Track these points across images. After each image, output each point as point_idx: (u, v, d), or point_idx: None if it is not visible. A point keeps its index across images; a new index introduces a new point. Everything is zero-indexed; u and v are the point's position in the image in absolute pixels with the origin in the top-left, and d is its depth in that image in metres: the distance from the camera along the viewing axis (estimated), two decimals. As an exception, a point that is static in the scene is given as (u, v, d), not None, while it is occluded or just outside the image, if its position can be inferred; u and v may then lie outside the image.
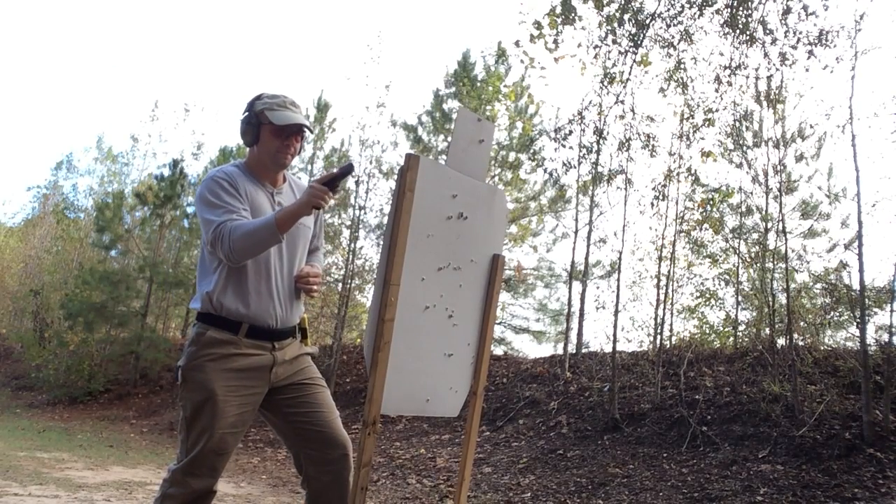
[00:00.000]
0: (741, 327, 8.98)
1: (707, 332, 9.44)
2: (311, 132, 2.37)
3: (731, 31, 5.55)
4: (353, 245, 12.99)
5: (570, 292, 10.76)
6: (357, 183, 13.18)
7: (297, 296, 2.34)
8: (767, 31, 5.39)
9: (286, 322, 2.28)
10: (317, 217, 2.46)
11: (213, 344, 2.17)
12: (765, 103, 7.70)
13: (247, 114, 2.29)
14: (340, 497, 2.23)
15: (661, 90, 6.14)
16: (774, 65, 5.52)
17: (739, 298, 9.01)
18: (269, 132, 2.25)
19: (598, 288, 12.18)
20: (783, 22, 5.21)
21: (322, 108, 14.57)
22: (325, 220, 2.58)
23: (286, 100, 2.28)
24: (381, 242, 4.21)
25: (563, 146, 6.68)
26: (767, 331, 7.86)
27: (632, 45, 5.72)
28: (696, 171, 7.31)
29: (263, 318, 2.21)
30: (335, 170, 2.20)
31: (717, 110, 6.00)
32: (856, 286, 6.27)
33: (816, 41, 5.12)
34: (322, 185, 2.09)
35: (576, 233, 10.71)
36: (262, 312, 2.21)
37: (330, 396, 2.36)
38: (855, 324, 6.22)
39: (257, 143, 2.29)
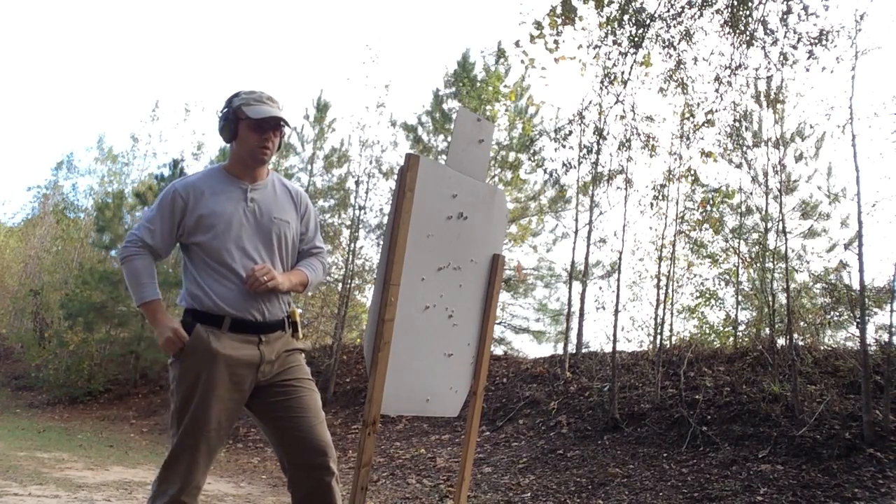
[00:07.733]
0: (741, 327, 8.97)
1: (707, 332, 9.45)
2: (289, 126, 2.34)
3: (731, 31, 5.55)
4: (353, 245, 13.01)
5: (570, 292, 10.77)
6: (357, 183, 13.19)
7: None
8: (768, 31, 5.38)
9: (269, 315, 2.23)
10: (304, 214, 2.40)
11: (197, 338, 2.16)
12: (765, 103, 7.70)
13: (224, 110, 2.28)
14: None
15: (661, 90, 6.14)
16: (774, 65, 5.51)
17: (739, 298, 9.00)
18: (247, 127, 2.24)
19: (599, 289, 12.17)
20: (783, 22, 5.20)
21: (322, 108, 14.56)
22: (319, 221, 2.55)
23: (263, 94, 2.27)
24: (381, 242, 4.21)
25: (563, 146, 6.68)
26: (767, 331, 7.85)
27: (632, 45, 5.72)
28: (695, 171, 7.29)
29: (243, 312, 2.18)
30: None
31: (717, 110, 6.00)
32: (856, 286, 6.28)
33: (816, 41, 5.11)
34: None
35: (576, 233, 10.72)
36: (240, 306, 2.18)
37: (317, 399, 2.28)
38: (855, 324, 6.22)
39: (236, 139, 2.28)
